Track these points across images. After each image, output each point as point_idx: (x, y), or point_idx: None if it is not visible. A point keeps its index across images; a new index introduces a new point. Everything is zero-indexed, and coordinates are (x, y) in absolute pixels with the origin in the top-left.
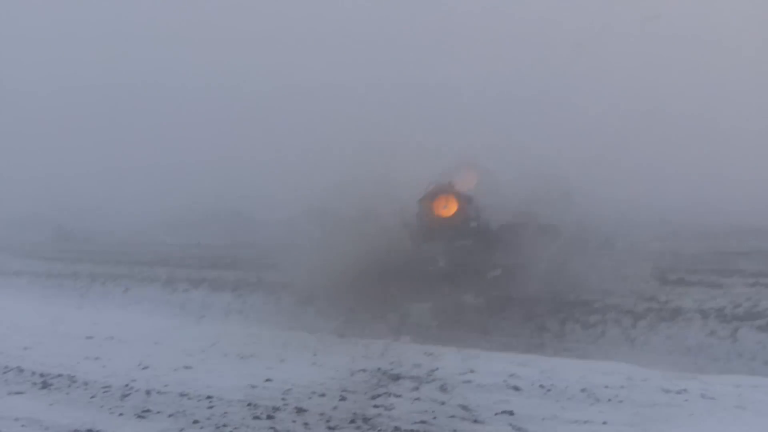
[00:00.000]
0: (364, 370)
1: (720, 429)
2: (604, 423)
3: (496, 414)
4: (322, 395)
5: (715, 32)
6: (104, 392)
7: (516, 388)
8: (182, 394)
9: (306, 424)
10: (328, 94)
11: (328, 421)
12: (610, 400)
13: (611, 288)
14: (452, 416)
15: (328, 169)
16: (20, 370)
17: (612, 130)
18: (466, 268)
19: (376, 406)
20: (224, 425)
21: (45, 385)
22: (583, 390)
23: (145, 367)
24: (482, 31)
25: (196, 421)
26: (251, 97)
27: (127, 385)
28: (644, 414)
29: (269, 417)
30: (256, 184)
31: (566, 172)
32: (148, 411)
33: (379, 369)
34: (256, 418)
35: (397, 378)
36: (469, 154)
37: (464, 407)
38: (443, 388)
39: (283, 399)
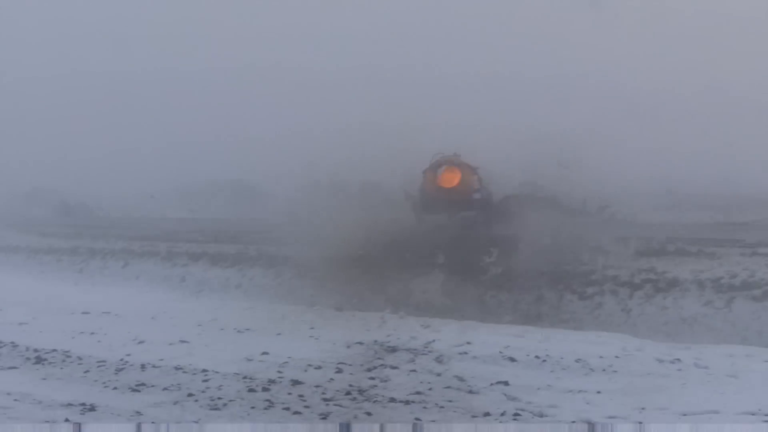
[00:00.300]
0: (360, 343)
1: (712, 398)
2: (598, 392)
3: (491, 384)
4: (318, 368)
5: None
6: (99, 367)
7: (511, 359)
8: (177, 368)
9: (301, 396)
10: (338, 73)
11: (323, 393)
12: (604, 370)
13: (609, 259)
14: (447, 387)
15: (333, 142)
16: (14, 346)
17: (619, 103)
18: (468, 239)
19: (371, 378)
20: (219, 398)
21: (39, 360)
22: (577, 360)
23: (141, 342)
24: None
25: (190, 394)
26: (256, 69)
27: (122, 360)
28: (638, 384)
29: (265, 389)
30: (260, 156)
31: (567, 144)
32: (142, 384)
33: (375, 341)
34: (252, 390)
35: (393, 350)
36: (451, 150)
37: (459, 378)
38: (439, 360)
39: (279, 372)
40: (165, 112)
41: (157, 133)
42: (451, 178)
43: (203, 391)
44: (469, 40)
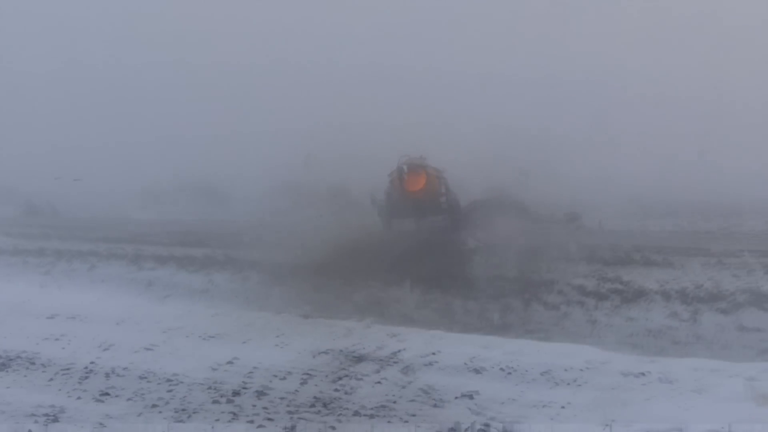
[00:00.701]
0: (327, 352)
1: (677, 413)
2: (563, 406)
3: (456, 397)
4: (284, 377)
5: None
6: (64, 374)
7: (478, 371)
8: (142, 376)
9: (266, 407)
10: (305, 73)
11: (288, 404)
12: (569, 383)
13: (576, 268)
14: (413, 399)
15: (299, 144)
16: None
17: (588, 110)
18: (434, 245)
19: (337, 389)
20: (183, 409)
21: (3, 367)
22: (543, 373)
23: (107, 348)
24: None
25: (154, 405)
26: (225, 73)
27: (86, 367)
28: (603, 397)
29: (230, 400)
30: (228, 159)
31: (535, 150)
32: (106, 394)
33: (342, 350)
34: (216, 402)
35: (359, 360)
36: (417, 153)
37: (426, 390)
38: (406, 370)
39: (244, 381)
40: (131, 112)
41: (123, 134)
42: (417, 182)
43: (167, 402)
44: (440, 41)
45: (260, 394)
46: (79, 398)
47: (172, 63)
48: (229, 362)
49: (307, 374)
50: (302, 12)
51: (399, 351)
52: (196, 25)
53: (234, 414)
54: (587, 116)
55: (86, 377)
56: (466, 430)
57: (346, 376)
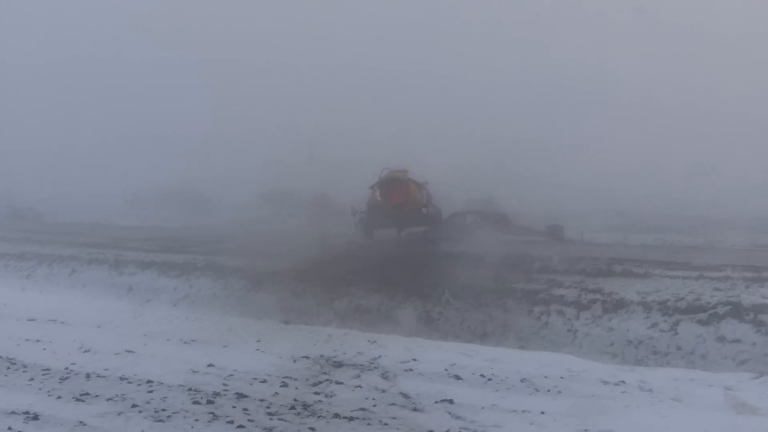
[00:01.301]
0: (307, 357)
1: (655, 421)
2: (542, 413)
3: (435, 402)
4: (264, 381)
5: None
6: (43, 375)
7: (457, 377)
8: (122, 378)
9: (245, 409)
10: (291, 76)
11: (268, 407)
12: (549, 390)
13: (557, 278)
14: (392, 404)
15: (282, 152)
16: None
17: (570, 123)
18: (415, 254)
19: (316, 393)
20: (163, 410)
21: None
22: (522, 380)
23: (87, 351)
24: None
25: (134, 405)
26: (213, 77)
27: (66, 369)
28: (582, 405)
29: (209, 402)
30: (212, 166)
31: (514, 163)
32: (87, 394)
33: (322, 356)
34: (196, 403)
35: (339, 365)
36: (399, 164)
37: (405, 395)
38: (385, 376)
39: (224, 385)
40: (116, 119)
41: (107, 138)
42: (399, 195)
43: (147, 403)
44: (427, 50)
45: (240, 396)
46: (59, 398)
47: (160, 65)
48: (210, 365)
49: (288, 378)
50: (291, 20)
51: (379, 357)
52: (185, 27)
53: (213, 414)
54: (573, 128)
55: (66, 378)
56: None
57: (326, 380)
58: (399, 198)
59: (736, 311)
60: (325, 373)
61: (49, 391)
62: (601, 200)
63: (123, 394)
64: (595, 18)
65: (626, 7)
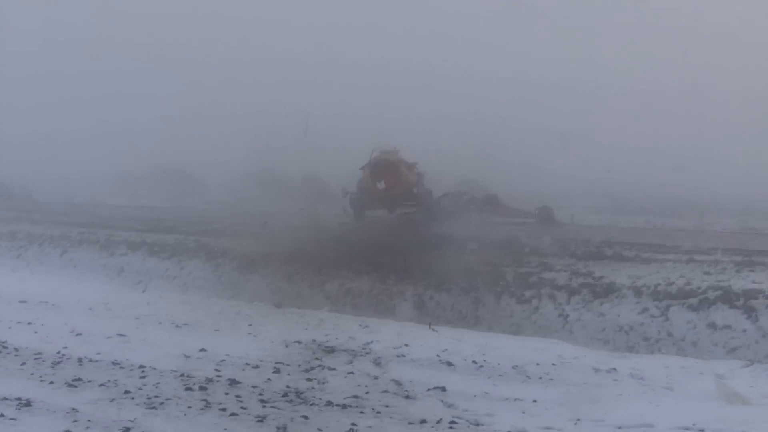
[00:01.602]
0: (299, 342)
1: (647, 410)
2: (534, 401)
3: (428, 390)
4: (256, 367)
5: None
6: (35, 360)
7: (449, 364)
8: (114, 363)
9: (238, 396)
10: (282, 61)
11: (260, 394)
12: (540, 378)
13: (548, 261)
14: (384, 391)
15: (271, 132)
16: None
17: (560, 106)
18: (406, 236)
19: (309, 380)
20: (156, 396)
21: None
22: (514, 367)
23: (79, 334)
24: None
25: (127, 392)
26: (203, 55)
27: (59, 353)
28: (574, 393)
29: (202, 388)
30: (202, 145)
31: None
32: (79, 380)
33: (314, 341)
34: (189, 389)
35: (331, 351)
36: (389, 145)
37: (397, 382)
38: (377, 362)
39: (216, 370)
40: (106, 98)
41: (97, 119)
42: (389, 176)
43: (140, 389)
44: (419, 35)
45: (233, 382)
46: (51, 383)
47: (150, 47)
48: (202, 350)
49: (280, 363)
50: (284, 5)
51: (371, 342)
52: (177, 8)
53: (206, 401)
54: (562, 112)
55: (58, 362)
56: (437, 422)
57: (319, 366)
58: (389, 180)
59: (727, 297)
60: (317, 358)
61: (41, 377)
62: (590, 183)
63: (115, 380)
64: (585, 3)
65: None
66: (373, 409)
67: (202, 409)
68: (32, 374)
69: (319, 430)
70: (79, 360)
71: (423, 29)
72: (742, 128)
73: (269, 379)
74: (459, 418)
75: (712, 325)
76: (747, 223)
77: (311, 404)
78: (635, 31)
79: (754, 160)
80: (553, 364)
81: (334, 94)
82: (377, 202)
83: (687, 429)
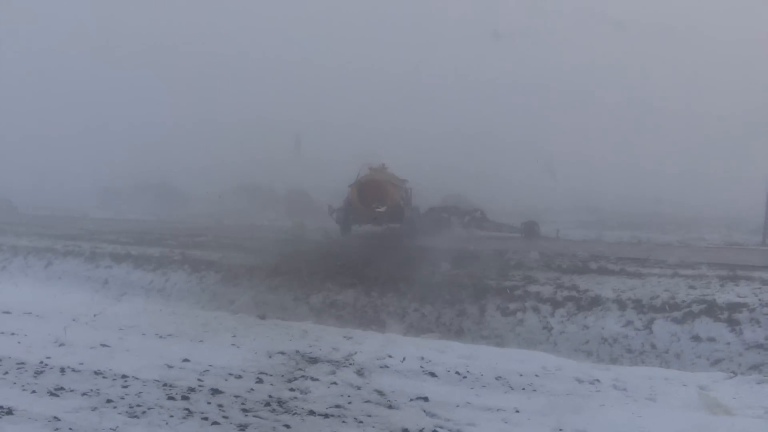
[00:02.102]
0: (282, 353)
1: (630, 420)
2: (517, 411)
3: (411, 400)
4: (239, 377)
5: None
6: (18, 369)
7: (432, 374)
8: (97, 373)
9: (220, 405)
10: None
11: (243, 403)
12: (524, 388)
13: (533, 275)
14: (367, 401)
15: (260, 145)
16: None
17: (546, 121)
18: (391, 250)
19: (292, 389)
20: (138, 405)
21: None
22: (497, 378)
23: (62, 344)
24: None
25: (109, 401)
26: (192, 66)
27: (41, 362)
28: (556, 403)
29: (184, 398)
30: (187, 158)
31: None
32: (61, 389)
33: (297, 352)
34: (171, 398)
35: (314, 361)
36: (378, 161)
37: (380, 392)
38: (360, 373)
39: (199, 380)
40: (91, 111)
41: (83, 132)
42: (376, 196)
43: (122, 398)
44: (407, 47)
45: (215, 392)
46: (33, 392)
47: (138, 57)
48: (185, 360)
49: (263, 374)
50: (270, 11)
51: (354, 353)
52: (166, 18)
53: (188, 410)
54: (548, 128)
55: (41, 372)
56: (419, 431)
57: (302, 376)
58: (376, 200)
59: (711, 310)
60: (300, 369)
61: (23, 386)
62: (576, 198)
63: (98, 389)
64: (572, 21)
65: (601, 10)
66: (355, 418)
67: (184, 417)
68: (14, 383)
69: None
70: (62, 369)
71: (413, 44)
72: (727, 144)
73: (252, 389)
74: (441, 427)
75: (696, 338)
76: (732, 238)
77: (293, 413)
78: (622, 49)
79: (739, 175)
80: (536, 375)
81: (322, 108)
82: (364, 218)
83: None
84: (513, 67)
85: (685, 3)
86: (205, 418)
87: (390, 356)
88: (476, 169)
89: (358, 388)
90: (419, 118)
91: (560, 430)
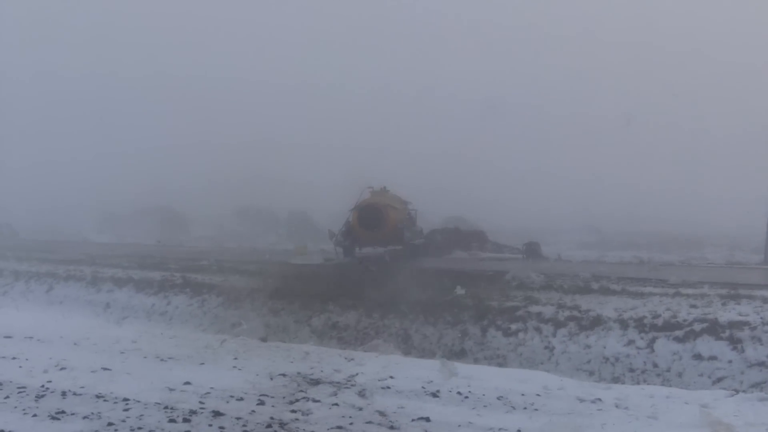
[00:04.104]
0: (284, 375)
1: None
2: (519, 431)
3: (412, 420)
4: (241, 399)
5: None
6: (19, 393)
7: (434, 395)
8: (98, 396)
9: (222, 428)
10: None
11: (244, 425)
12: (525, 408)
13: (534, 295)
14: (369, 422)
15: (260, 168)
16: None
17: (546, 141)
18: (393, 271)
19: (293, 411)
20: (139, 428)
21: None
22: (499, 398)
23: (63, 368)
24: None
25: (110, 424)
26: (183, 92)
27: (43, 386)
28: (558, 422)
29: (185, 420)
30: (187, 182)
31: (493, 181)
32: (62, 412)
33: (299, 373)
34: (172, 421)
35: (316, 383)
36: (379, 184)
37: (381, 413)
38: (362, 394)
39: (200, 402)
40: (92, 137)
41: (83, 157)
42: (376, 222)
43: (123, 421)
44: (404, 70)
45: (217, 414)
46: (35, 416)
47: (137, 82)
48: (186, 383)
49: (264, 396)
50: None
51: (356, 374)
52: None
53: None
54: (549, 150)
55: (42, 396)
56: None
57: (303, 398)
58: (376, 224)
59: (713, 329)
60: (302, 390)
61: (24, 410)
62: (578, 218)
63: (99, 412)
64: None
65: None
66: None
67: None
68: (15, 407)
69: None
70: (63, 393)
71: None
72: (729, 164)
73: (253, 411)
74: None
75: (698, 356)
76: (734, 257)
77: None
78: (621, 70)
79: (741, 196)
80: (538, 395)
81: (323, 130)
82: (365, 242)
83: None
84: (509, 88)
85: (687, 24)
86: None
87: (392, 377)
88: (478, 192)
89: (360, 409)
90: (420, 141)
91: None
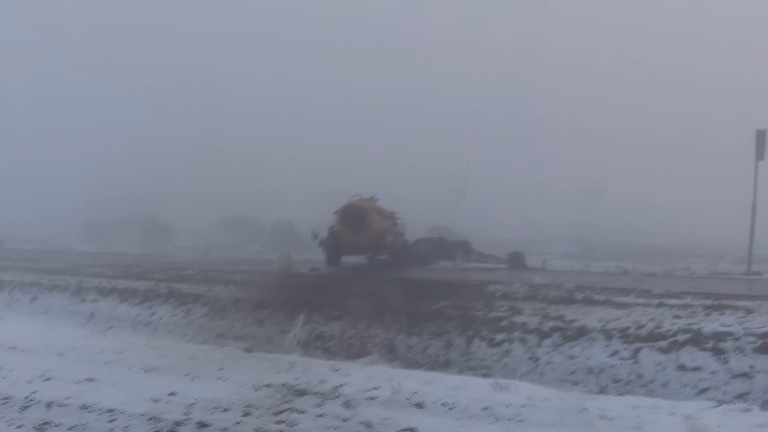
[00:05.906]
0: (269, 386)
1: None
2: None
3: (398, 431)
4: (226, 410)
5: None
6: (3, 404)
7: (419, 405)
8: (83, 407)
9: None
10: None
11: None
12: (510, 419)
13: (519, 306)
14: None
15: (245, 177)
16: None
17: (531, 151)
18: (378, 281)
19: (279, 422)
20: None
21: None
22: (484, 408)
23: (48, 379)
24: None
25: None
26: (169, 101)
27: (27, 397)
28: None
29: (170, 431)
30: (172, 192)
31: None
32: (47, 423)
33: (284, 384)
34: None
35: (301, 393)
36: (367, 194)
37: (367, 424)
38: (347, 405)
39: (185, 414)
40: (75, 146)
41: (68, 167)
42: (359, 223)
43: None
44: (390, 81)
45: (202, 425)
46: (19, 427)
47: (119, 92)
48: (171, 394)
49: (250, 407)
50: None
51: (341, 385)
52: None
53: None
54: (534, 156)
55: (27, 407)
56: None
57: (289, 409)
58: (359, 226)
59: (696, 339)
60: (287, 401)
61: (8, 421)
62: (563, 229)
63: (84, 423)
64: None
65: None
66: None
67: None
68: (0, 418)
69: None
70: (48, 404)
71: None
72: (713, 176)
73: (239, 422)
74: None
75: (682, 367)
76: (717, 268)
77: None
78: (614, 81)
79: (725, 207)
80: (522, 406)
81: (310, 141)
82: (349, 248)
83: None
84: (497, 98)
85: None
86: None
87: (377, 388)
88: (463, 203)
89: (346, 420)
90: (405, 151)
91: None
